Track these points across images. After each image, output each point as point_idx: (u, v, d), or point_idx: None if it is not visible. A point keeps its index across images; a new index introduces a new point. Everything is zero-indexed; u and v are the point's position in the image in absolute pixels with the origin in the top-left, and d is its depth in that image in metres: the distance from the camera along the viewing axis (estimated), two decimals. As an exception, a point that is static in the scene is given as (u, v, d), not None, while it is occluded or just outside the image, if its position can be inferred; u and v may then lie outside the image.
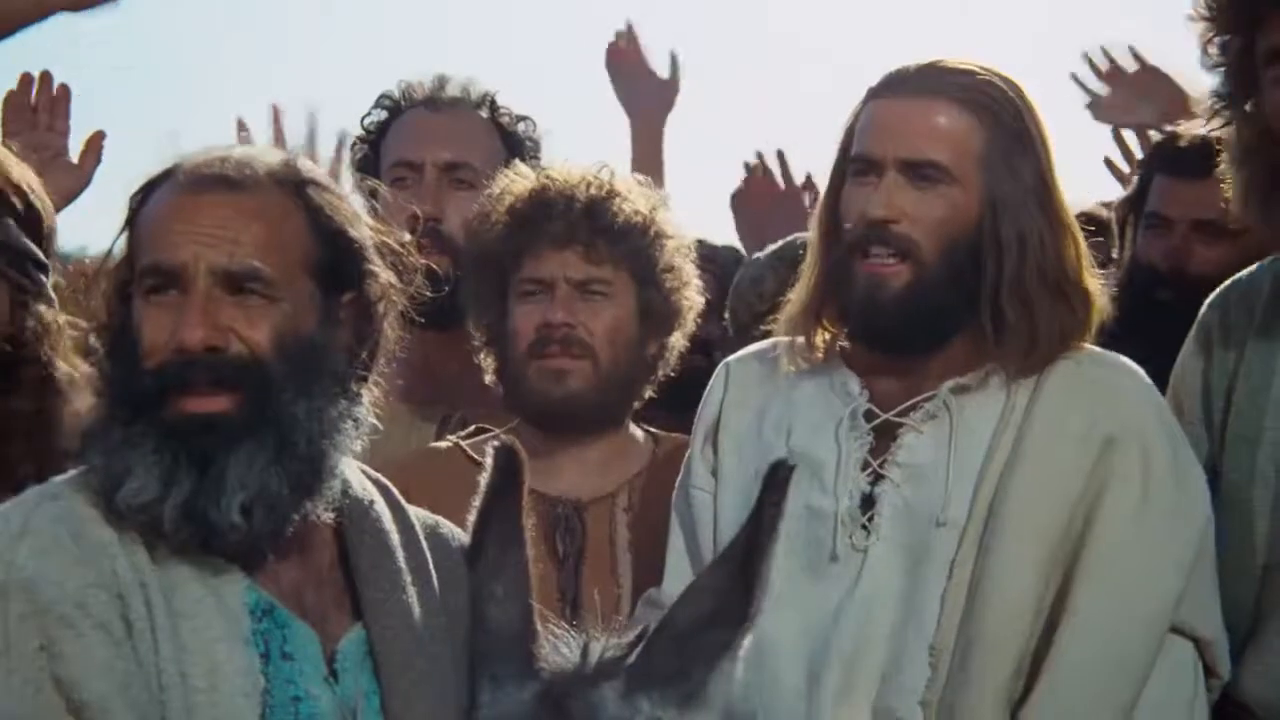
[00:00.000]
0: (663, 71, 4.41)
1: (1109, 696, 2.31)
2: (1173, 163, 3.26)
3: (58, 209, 3.03)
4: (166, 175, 2.01)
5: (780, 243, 3.47)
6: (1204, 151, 3.06)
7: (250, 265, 1.93)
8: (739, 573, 1.57)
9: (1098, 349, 2.48)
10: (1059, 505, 2.34)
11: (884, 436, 2.45)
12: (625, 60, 4.40)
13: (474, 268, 2.93)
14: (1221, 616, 2.42)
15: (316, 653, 1.96)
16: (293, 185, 2.02)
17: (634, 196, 2.84)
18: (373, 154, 3.37)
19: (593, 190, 2.82)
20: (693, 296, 2.87)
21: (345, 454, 2.00)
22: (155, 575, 1.89)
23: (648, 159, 4.34)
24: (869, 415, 2.47)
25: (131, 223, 2.02)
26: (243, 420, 1.91)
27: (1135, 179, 3.42)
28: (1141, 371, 2.48)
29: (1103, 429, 2.37)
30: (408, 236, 2.16)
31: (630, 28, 4.42)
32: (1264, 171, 2.53)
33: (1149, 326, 3.03)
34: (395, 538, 2.07)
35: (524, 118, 3.44)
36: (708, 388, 2.63)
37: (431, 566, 2.07)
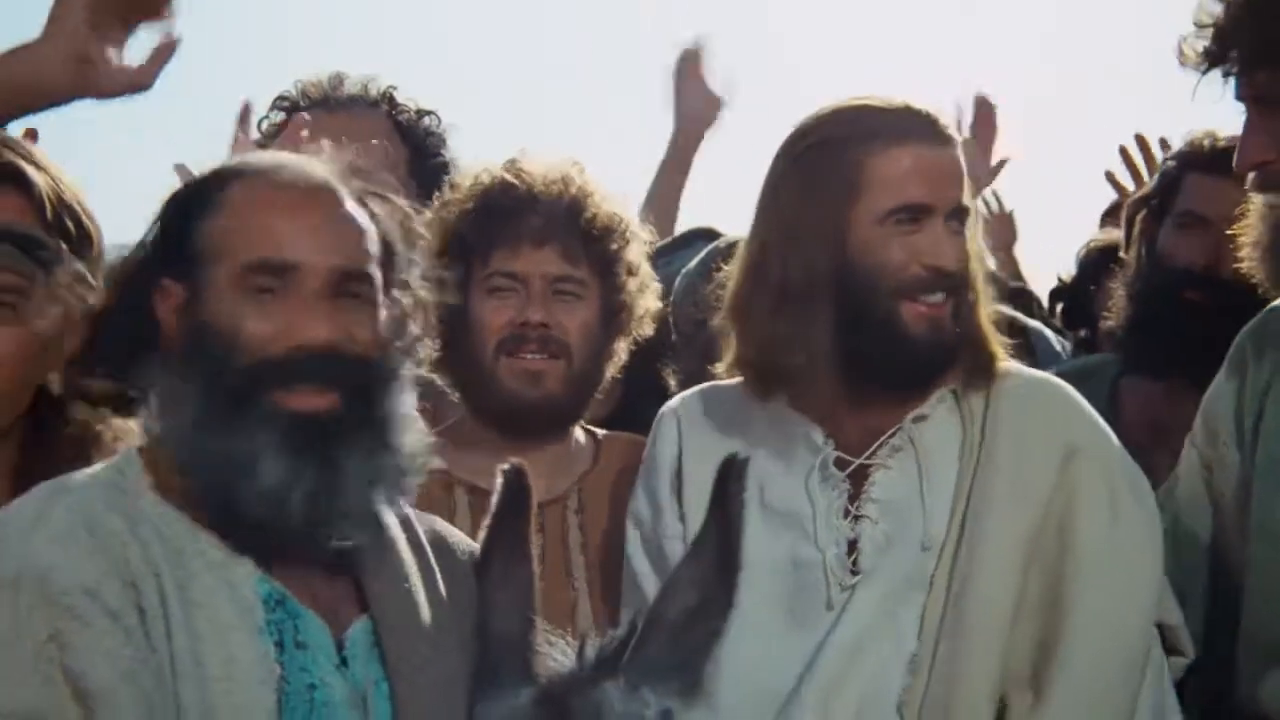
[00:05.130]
0: (719, 90, 4.44)
1: (1123, 691, 2.40)
2: (1211, 161, 3.22)
3: None
4: (236, 174, 2.04)
5: (704, 252, 3.46)
6: None
7: (361, 268, 2.00)
8: (718, 563, 1.61)
9: (1025, 368, 2.59)
10: (1032, 511, 2.42)
11: (854, 478, 2.49)
12: (693, 75, 4.43)
13: (439, 255, 2.77)
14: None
15: (328, 642, 1.98)
16: (359, 196, 2.08)
17: (608, 196, 2.82)
18: None
19: (574, 188, 2.78)
20: (651, 301, 2.86)
21: (420, 450, 2.06)
22: (168, 566, 1.90)
23: (679, 163, 4.39)
24: (838, 463, 2.49)
25: (189, 219, 2.03)
26: (350, 417, 1.95)
27: (1157, 177, 3.39)
28: (1067, 385, 2.59)
29: (1063, 440, 2.46)
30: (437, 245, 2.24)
31: (699, 43, 4.45)
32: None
33: (1175, 327, 3.13)
34: (396, 531, 2.09)
35: (428, 112, 3.39)
36: (656, 434, 2.62)
37: (434, 562, 2.09)
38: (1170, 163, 3.35)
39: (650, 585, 2.52)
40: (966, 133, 4.33)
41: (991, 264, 4.50)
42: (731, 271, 2.57)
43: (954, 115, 4.34)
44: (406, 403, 2.04)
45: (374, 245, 2.05)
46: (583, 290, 2.78)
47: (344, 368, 1.96)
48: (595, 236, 2.78)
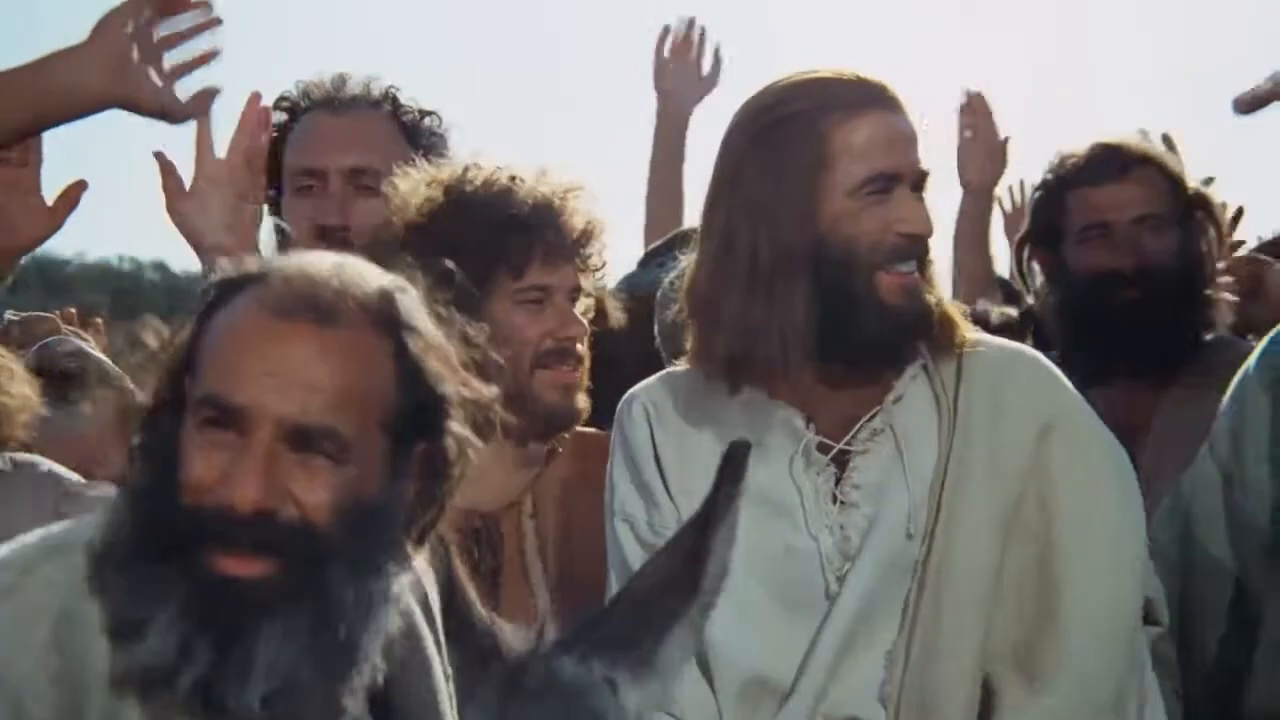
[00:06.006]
0: (706, 67, 4.51)
1: (1123, 661, 2.40)
2: (1091, 172, 3.38)
3: (24, 251, 2.95)
4: (252, 280, 1.80)
5: None
6: (1113, 155, 3.37)
7: (325, 423, 1.72)
8: (691, 545, 1.60)
9: (992, 337, 2.59)
10: (1008, 488, 2.42)
11: (835, 463, 2.47)
12: (679, 49, 4.50)
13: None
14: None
15: None
16: (388, 326, 1.80)
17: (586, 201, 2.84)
18: (273, 159, 3.21)
19: (575, 199, 2.81)
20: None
21: (383, 634, 1.78)
22: None
23: (667, 145, 4.39)
24: (821, 448, 2.48)
25: (203, 318, 1.81)
26: (283, 591, 1.70)
27: (1031, 211, 3.53)
28: (1041, 355, 2.60)
29: (1039, 415, 2.46)
30: (495, 391, 1.92)
31: (693, 21, 4.51)
32: None
33: (1120, 330, 3.26)
34: (423, 629, 1.90)
35: (429, 112, 3.37)
36: (625, 422, 2.56)
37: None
38: (1038, 194, 3.51)
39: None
40: (968, 132, 4.35)
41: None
42: (690, 261, 2.54)
43: (952, 119, 4.41)
44: (373, 580, 1.75)
45: (363, 394, 1.76)
46: (583, 299, 2.83)
47: (277, 534, 1.71)
48: (594, 246, 2.82)
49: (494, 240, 2.75)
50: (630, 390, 2.60)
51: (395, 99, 3.35)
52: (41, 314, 4.67)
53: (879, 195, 2.41)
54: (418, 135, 3.33)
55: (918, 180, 2.46)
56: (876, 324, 2.41)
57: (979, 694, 2.37)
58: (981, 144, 4.32)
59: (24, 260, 3.00)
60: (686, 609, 1.58)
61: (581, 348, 2.80)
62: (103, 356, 3.43)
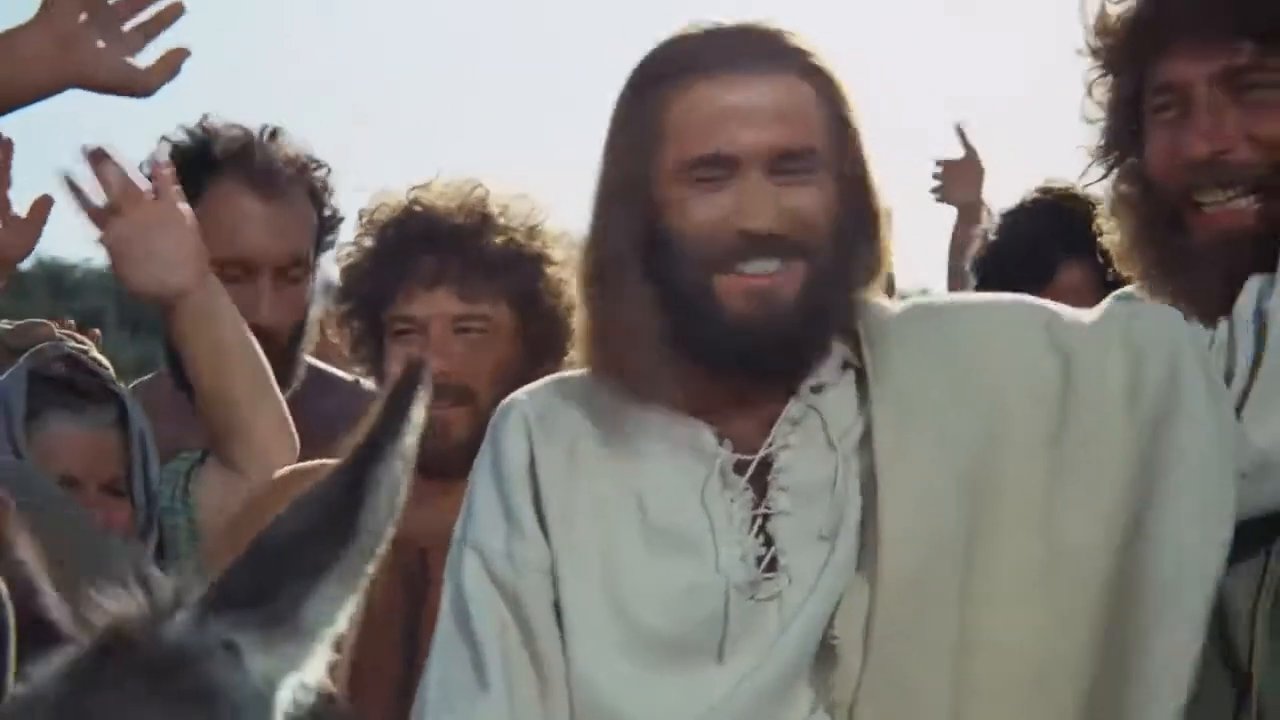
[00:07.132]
0: None
1: None
2: None
3: (4, 270, 2.93)
4: None
5: None
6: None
7: None
8: (347, 483, 1.34)
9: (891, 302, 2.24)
10: (957, 445, 2.06)
11: (756, 478, 2.12)
12: None
13: (346, 302, 2.81)
14: None
15: None
16: None
17: (510, 218, 2.68)
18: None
19: (460, 220, 2.65)
20: None
21: None
22: None
23: None
24: (738, 466, 2.11)
25: None
26: None
27: None
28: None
29: (978, 380, 2.11)
30: None
31: None
32: (1140, 223, 2.34)
33: None
34: None
35: (322, 164, 3.23)
36: (497, 435, 2.20)
37: None
38: None
39: (493, 631, 2.10)
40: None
41: None
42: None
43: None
44: None
45: None
46: (489, 325, 2.66)
47: None
48: (494, 268, 2.64)
49: (364, 275, 2.75)
50: (509, 397, 2.25)
51: (304, 164, 3.20)
52: (35, 320, 4.65)
53: (714, 182, 2.04)
54: (319, 197, 3.23)
55: (781, 160, 2.05)
56: (717, 335, 2.06)
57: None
58: (965, 162, 4.52)
59: (31, 266, 2.98)
60: (338, 558, 1.30)
61: (458, 380, 2.61)
62: (103, 363, 3.39)
